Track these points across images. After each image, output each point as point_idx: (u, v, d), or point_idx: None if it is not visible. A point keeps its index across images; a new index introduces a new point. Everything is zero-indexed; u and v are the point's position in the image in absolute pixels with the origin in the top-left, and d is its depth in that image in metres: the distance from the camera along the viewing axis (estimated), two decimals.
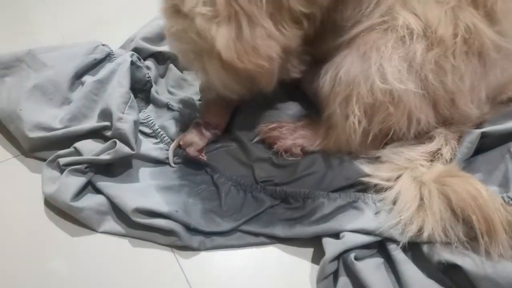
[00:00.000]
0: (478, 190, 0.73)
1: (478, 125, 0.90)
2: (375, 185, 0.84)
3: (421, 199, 0.77)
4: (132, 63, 1.03)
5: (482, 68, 0.80)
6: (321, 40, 0.88)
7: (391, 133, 0.84)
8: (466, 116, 0.85)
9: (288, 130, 0.94)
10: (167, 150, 0.95)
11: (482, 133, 0.85)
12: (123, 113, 0.93)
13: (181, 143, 0.93)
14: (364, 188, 0.85)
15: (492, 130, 0.85)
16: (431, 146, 0.86)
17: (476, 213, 0.72)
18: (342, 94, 0.82)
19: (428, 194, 0.77)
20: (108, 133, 0.93)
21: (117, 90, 0.96)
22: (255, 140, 0.95)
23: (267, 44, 0.75)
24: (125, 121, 0.92)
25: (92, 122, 0.95)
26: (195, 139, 0.92)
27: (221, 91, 0.84)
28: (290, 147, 0.92)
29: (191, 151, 0.90)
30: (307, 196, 0.85)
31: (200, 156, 0.90)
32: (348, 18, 0.83)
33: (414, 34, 0.77)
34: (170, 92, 1.09)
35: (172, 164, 0.92)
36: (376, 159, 0.88)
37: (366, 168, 0.87)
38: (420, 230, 0.74)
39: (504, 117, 0.88)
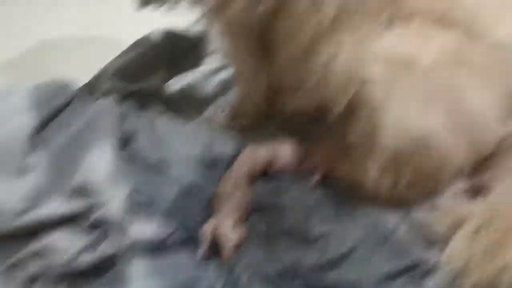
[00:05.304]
0: None
1: None
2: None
3: None
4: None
5: (482, 77, 0.76)
6: None
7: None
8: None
9: None
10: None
11: None
12: (110, 186, 0.74)
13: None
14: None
15: None
16: None
17: None
18: None
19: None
20: (91, 218, 0.71)
21: (99, 153, 0.77)
22: None
23: None
24: (114, 198, 0.72)
25: (64, 202, 0.74)
26: (230, 234, 0.71)
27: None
28: None
29: (228, 249, 0.70)
30: None
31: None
32: None
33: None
34: (162, 146, 0.88)
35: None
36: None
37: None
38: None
39: None
